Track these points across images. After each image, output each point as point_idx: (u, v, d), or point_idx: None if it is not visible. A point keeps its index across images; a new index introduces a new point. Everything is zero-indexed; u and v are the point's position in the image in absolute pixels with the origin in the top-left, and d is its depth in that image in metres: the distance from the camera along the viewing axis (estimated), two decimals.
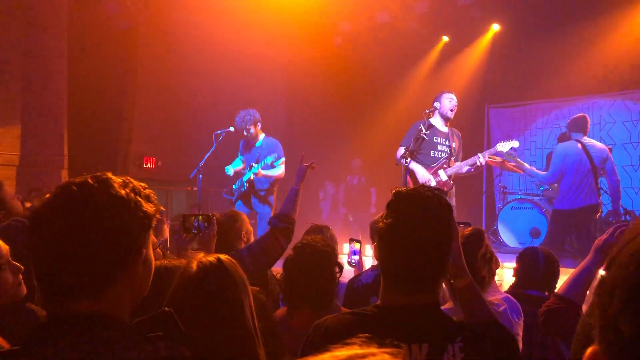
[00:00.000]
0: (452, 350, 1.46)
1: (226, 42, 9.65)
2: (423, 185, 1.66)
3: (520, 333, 2.60)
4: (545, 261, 3.19)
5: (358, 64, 10.16)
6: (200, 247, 2.99)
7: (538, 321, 2.23)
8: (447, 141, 5.77)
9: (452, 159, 5.78)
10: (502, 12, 9.15)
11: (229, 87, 9.48)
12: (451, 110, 5.75)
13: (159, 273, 1.96)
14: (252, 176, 6.26)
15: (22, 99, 7.36)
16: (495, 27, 9.49)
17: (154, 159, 9.00)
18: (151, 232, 1.21)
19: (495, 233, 7.97)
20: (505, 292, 3.39)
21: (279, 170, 6.29)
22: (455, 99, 5.81)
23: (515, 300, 2.67)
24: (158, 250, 3.21)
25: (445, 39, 10.00)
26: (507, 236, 7.56)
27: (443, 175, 5.66)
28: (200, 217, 3.02)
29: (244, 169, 6.55)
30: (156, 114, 9.17)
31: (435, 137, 5.72)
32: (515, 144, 6.06)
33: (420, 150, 5.64)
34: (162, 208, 1.26)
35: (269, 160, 6.11)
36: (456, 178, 5.92)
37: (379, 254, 1.59)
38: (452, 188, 5.76)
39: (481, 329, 1.56)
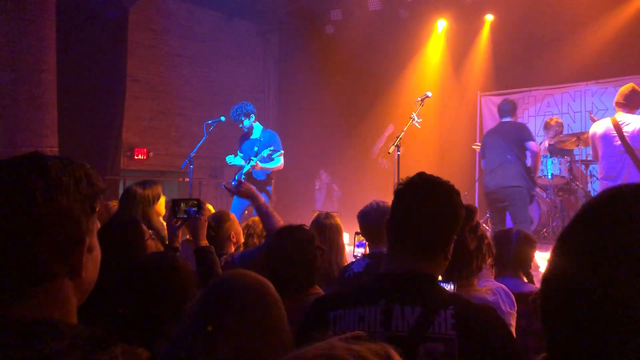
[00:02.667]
0: (444, 315, 1.49)
1: (216, 31, 9.60)
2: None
3: (513, 323, 2.57)
4: (518, 240, 3.15)
5: (350, 52, 10.11)
6: (191, 233, 2.95)
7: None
8: None
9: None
10: (494, 0, 9.13)
11: (220, 77, 9.44)
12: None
13: (162, 271, 1.95)
14: (250, 168, 6.26)
15: (11, 91, 7.28)
16: (490, 18, 9.47)
17: (145, 150, 8.96)
18: (95, 217, 1.07)
19: (488, 221, 7.98)
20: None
21: (277, 163, 6.30)
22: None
23: (508, 290, 2.64)
24: (150, 241, 3.18)
25: (437, 27, 9.96)
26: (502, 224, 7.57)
27: None
28: (190, 202, 2.96)
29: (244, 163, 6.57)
30: (147, 105, 9.12)
31: None
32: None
33: None
34: (103, 188, 1.09)
35: (265, 153, 6.10)
36: (444, 161, 6.14)
37: (389, 217, 1.69)
38: None
39: (475, 306, 1.59)
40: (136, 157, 8.92)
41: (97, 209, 1.06)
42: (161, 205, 3.52)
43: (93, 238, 1.06)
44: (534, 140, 6.19)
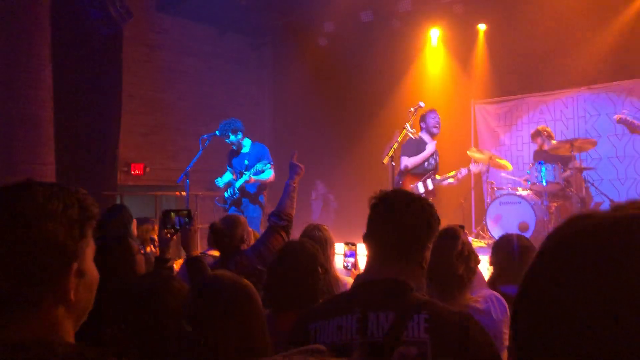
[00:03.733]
0: (418, 319, 1.54)
1: (210, 46, 9.66)
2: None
3: (506, 331, 2.58)
4: (520, 249, 3.17)
5: (344, 63, 10.18)
6: (182, 244, 2.96)
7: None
8: (435, 155, 6.47)
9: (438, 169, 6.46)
10: (486, 9, 9.23)
11: (214, 91, 9.49)
12: (435, 128, 6.44)
13: (156, 293, 1.95)
14: (243, 184, 6.33)
15: (6, 108, 7.31)
16: (482, 27, 9.57)
17: (142, 165, 8.98)
18: (89, 241, 1.08)
19: (485, 229, 8.01)
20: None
21: (268, 175, 6.34)
22: (437, 117, 6.50)
23: (500, 297, 2.65)
24: (140, 256, 3.19)
25: (430, 36, 10.05)
26: (496, 231, 7.60)
27: (430, 185, 6.32)
28: (180, 212, 2.97)
29: (235, 178, 6.62)
30: (142, 120, 9.15)
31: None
32: (484, 168, 7.06)
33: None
34: (96, 213, 1.10)
35: (259, 167, 6.17)
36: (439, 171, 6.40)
37: (367, 227, 1.77)
38: (434, 197, 6.23)
39: (449, 311, 1.62)
40: (133, 172, 8.95)
41: (89, 234, 1.07)
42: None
43: (84, 263, 1.06)
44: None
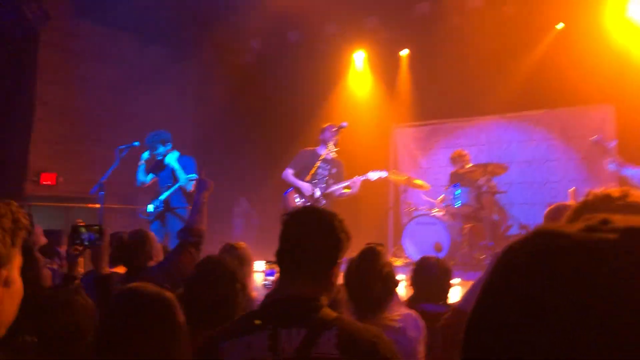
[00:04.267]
0: (328, 335, 1.56)
1: (132, 56, 9.42)
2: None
3: (421, 349, 2.65)
4: (439, 271, 3.32)
5: (269, 82, 10.21)
6: (92, 261, 2.84)
7: (436, 336, 2.31)
8: (328, 166, 6.73)
9: (330, 181, 6.72)
10: (409, 36, 9.55)
11: (134, 102, 9.23)
12: (332, 141, 6.70)
13: (56, 309, 1.86)
14: (168, 197, 6.22)
15: None
16: (404, 52, 9.89)
17: (54, 175, 8.57)
18: (17, 251, 1.10)
19: (401, 248, 8.20)
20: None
21: (188, 187, 6.27)
22: (335, 133, 6.72)
23: (417, 317, 2.72)
24: (46, 270, 3.04)
25: (354, 60, 10.26)
26: (412, 251, 7.80)
27: (317, 192, 6.65)
28: (91, 228, 2.85)
29: (158, 187, 6.48)
30: (57, 129, 8.76)
31: (321, 164, 6.71)
32: (383, 174, 6.92)
33: (303, 173, 6.70)
34: (26, 224, 1.14)
35: (184, 182, 6.10)
36: (358, 196, 6.56)
37: (278, 245, 1.76)
38: (324, 206, 6.38)
39: (358, 327, 1.66)
40: (43, 183, 8.51)
41: (18, 244, 1.09)
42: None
43: (12, 272, 1.08)
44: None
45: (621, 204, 1.63)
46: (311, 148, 6.72)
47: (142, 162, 6.54)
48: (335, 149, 6.17)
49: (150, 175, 6.57)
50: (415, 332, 2.64)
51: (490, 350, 0.59)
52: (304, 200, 6.61)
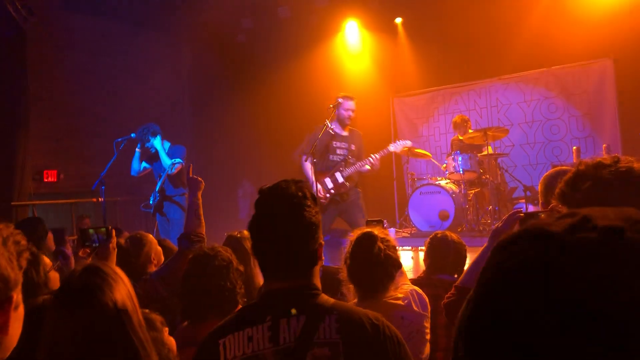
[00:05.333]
0: (328, 321, 1.56)
1: (124, 45, 9.33)
2: (286, 180, 1.71)
3: (427, 325, 2.66)
4: (454, 247, 3.36)
5: (263, 61, 10.12)
6: (100, 261, 2.84)
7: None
8: (346, 144, 6.33)
9: (350, 160, 6.29)
10: (402, 3, 9.41)
11: (130, 93, 9.17)
12: (348, 117, 6.32)
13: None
14: (162, 185, 6.23)
15: None
16: (398, 20, 9.77)
17: (55, 171, 8.57)
18: (21, 274, 1.11)
19: (408, 219, 8.21)
20: (418, 277, 3.51)
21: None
22: (349, 105, 6.32)
23: (421, 293, 2.72)
24: (54, 273, 3.05)
25: (346, 32, 10.13)
26: (418, 221, 7.80)
27: (339, 177, 6.27)
28: (99, 230, 2.87)
29: (153, 176, 6.50)
30: (54, 124, 8.73)
31: (334, 142, 6.29)
32: (408, 143, 6.66)
33: (319, 154, 6.18)
34: (25, 244, 1.14)
35: (169, 162, 6.11)
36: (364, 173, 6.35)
37: (254, 240, 1.70)
38: (349, 189, 6.30)
39: (358, 311, 1.65)
40: (46, 180, 8.53)
41: (24, 266, 1.11)
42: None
43: (19, 295, 1.09)
44: None
45: (613, 171, 1.63)
46: (321, 125, 6.14)
47: (137, 150, 6.55)
48: (332, 126, 6.05)
49: (144, 164, 6.58)
50: (421, 307, 2.65)
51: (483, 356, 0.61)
52: (331, 186, 6.29)
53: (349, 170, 6.25)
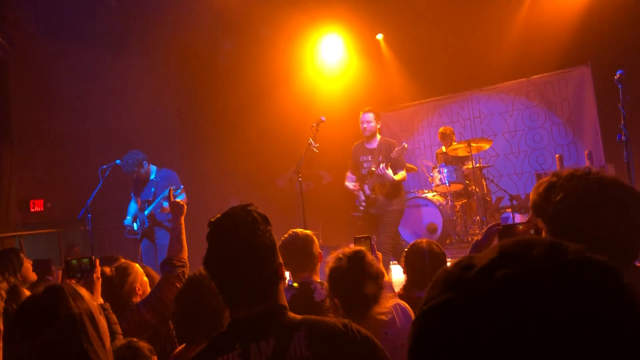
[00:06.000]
0: (297, 338, 1.56)
1: (106, 69, 9.33)
2: (234, 207, 1.71)
3: None
4: (431, 256, 3.31)
5: (245, 80, 10.15)
6: None
7: None
8: (371, 156, 6.26)
9: (375, 170, 6.12)
10: (381, 20, 9.52)
11: (114, 118, 9.15)
12: (364, 130, 6.28)
13: None
14: (152, 212, 6.20)
15: None
16: (380, 37, 9.87)
17: (41, 201, 8.52)
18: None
19: (397, 233, 8.23)
20: (397, 294, 3.50)
21: (181, 198, 6.22)
22: (363, 118, 6.30)
23: (405, 307, 2.73)
24: None
25: (328, 49, 10.21)
26: (406, 234, 7.83)
27: (366, 190, 6.22)
28: (82, 260, 2.85)
29: (142, 208, 6.46)
30: (39, 153, 8.70)
31: (361, 156, 6.33)
32: (404, 145, 6.39)
33: (354, 169, 6.39)
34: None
35: (166, 193, 6.03)
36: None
37: (211, 268, 1.68)
38: (378, 200, 6.17)
39: (326, 323, 1.64)
40: (32, 210, 8.47)
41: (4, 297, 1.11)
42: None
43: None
44: None
45: (584, 182, 1.66)
46: (360, 140, 6.31)
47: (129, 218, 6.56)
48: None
49: (136, 223, 6.56)
50: (405, 321, 2.65)
51: None
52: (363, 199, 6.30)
53: (372, 181, 6.17)
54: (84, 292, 1.60)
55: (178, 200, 3.40)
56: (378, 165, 6.01)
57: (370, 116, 6.27)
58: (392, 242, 6.09)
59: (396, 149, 6.04)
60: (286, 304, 1.68)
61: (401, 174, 6.06)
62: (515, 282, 0.61)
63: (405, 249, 3.43)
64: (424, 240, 3.43)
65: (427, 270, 3.24)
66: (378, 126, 6.30)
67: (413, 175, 9.40)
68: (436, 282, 0.69)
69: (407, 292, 3.25)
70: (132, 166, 6.25)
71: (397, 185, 6.14)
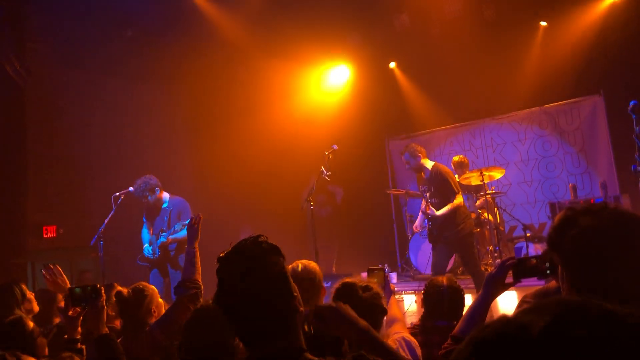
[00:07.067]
0: None
1: (122, 97, 9.46)
2: (244, 239, 1.65)
3: None
4: (447, 293, 3.33)
5: (259, 106, 10.20)
6: (90, 321, 2.79)
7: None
8: (425, 187, 6.28)
9: (431, 201, 6.14)
10: (394, 48, 9.59)
11: (127, 145, 9.25)
12: (409, 168, 6.34)
13: None
14: (165, 241, 6.24)
15: None
16: (392, 65, 9.93)
17: (54, 227, 8.56)
18: None
19: (409, 262, 8.17)
20: (415, 323, 3.49)
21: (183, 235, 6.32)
22: (404, 158, 6.31)
23: (410, 341, 2.72)
24: (41, 339, 3.01)
25: (342, 75, 10.26)
26: (419, 263, 7.77)
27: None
28: (86, 288, 2.83)
29: (152, 235, 6.50)
30: (52, 180, 8.77)
31: (420, 187, 6.52)
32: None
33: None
34: None
35: (177, 227, 6.08)
36: (360, 209, 6.33)
37: (227, 305, 1.62)
38: (438, 228, 6.12)
39: None
40: (45, 236, 8.50)
41: None
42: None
43: None
44: None
45: (600, 218, 1.63)
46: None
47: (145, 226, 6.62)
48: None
49: (145, 235, 6.62)
50: (411, 355, 2.63)
51: None
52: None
53: (429, 212, 6.09)
54: None
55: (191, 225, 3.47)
56: (427, 201, 6.05)
57: (405, 157, 6.29)
58: (472, 269, 6.03)
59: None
60: (302, 344, 1.61)
61: (446, 207, 5.96)
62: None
63: (426, 284, 3.46)
64: (445, 277, 3.48)
65: (444, 305, 3.28)
66: (418, 160, 6.19)
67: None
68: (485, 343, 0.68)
69: (423, 323, 3.34)
70: (144, 191, 6.30)
71: (448, 216, 6.01)
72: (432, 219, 6.10)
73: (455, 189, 6.02)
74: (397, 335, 2.66)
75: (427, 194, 6.16)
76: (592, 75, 8.07)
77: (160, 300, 3.39)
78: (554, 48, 8.35)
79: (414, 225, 7.36)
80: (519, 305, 2.35)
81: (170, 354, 2.96)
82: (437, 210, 6.03)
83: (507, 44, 8.71)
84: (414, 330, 3.24)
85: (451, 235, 6.03)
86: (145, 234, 6.66)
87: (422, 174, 6.32)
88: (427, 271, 7.54)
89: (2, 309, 3.36)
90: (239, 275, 1.57)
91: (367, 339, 1.73)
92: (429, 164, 6.21)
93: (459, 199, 6.00)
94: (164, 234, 6.22)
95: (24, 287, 3.76)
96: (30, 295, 3.80)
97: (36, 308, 3.83)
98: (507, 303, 5.49)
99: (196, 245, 3.33)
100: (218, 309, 2.45)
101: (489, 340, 0.68)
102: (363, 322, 1.83)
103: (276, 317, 1.57)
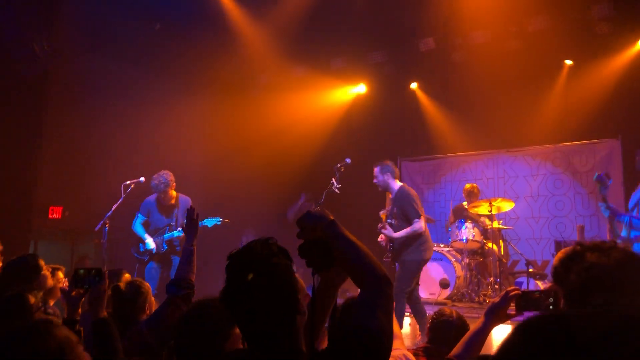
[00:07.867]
0: None
1: (142, 92, 9.53)
2: (255, 240, 1.66)
3: None
4: (457, 329, 3.31)
5: (274, 116, 10.27)
6: (90, 303, 2.77)
7: None
8: (390, 208, 6.21)
9: (391, 222, 6.09)
10: (415, 70, 9.62)
11: (144, 138, 9.30)
12: (374, 179, 6.18)
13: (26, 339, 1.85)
14: (173, 239, 6.29)
15: None
16: (413, 86, 9.96)
17: (60, 208, 8.60)
18: None
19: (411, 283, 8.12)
20: (420, 346, 3.48)
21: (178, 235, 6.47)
22: (376, 167, 6.20)
23: (411, 358, 2.72)
24: (40, 314, 3.02)
25: (360, 91, 10.32)
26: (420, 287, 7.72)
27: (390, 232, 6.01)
28: (90, 271, 2.82)
29: (162, 231, 6.54)
30: (64, 162, 8.82)
31: (388, 207, 6.33)
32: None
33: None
34: None
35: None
36: (365, 233, 6.23)
37: (231, 302, 1.62)
38: (393, 249, 6.11)
39: None
40: (50, 217, 8.54)
41: None
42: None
43: None
44: None
45: (607, 256, 1.63)
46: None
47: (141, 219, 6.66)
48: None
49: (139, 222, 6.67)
50: None
51: None
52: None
53: (385, 232, 6.06)
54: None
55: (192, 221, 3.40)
56: (385, 220, 5.99)
57: (375, 170, 6.19)
58: (404, 293, 5.95)
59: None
60: (302, 347, 1.61)
61: (404, 230, 5.86)
62: None
63: (432, 316, 3.44)
64: (454, 311, 3.46)
65: (451, 338, 3.27)
66: (387, 178, 6.09)
67: (430, 227, 9.32)
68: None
69: (429, 344, 3.32)
70: (164, 186, 6.34)
71: (405, 240, 5.94)
72: (391, 239, 6.08)
73: (417, 213, 5.90)
74: (397, 352, 2.65)
75: (390, 216, 6.11)
76: (611, 118, 8.05)
77: (152, 298, 3.37)
78: (577, 87, 8.34)
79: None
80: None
81: (157, 356, 2.94)
82: (395, 232, 5.96)
83: (530, 77, 8.72)
84: (417, 351, 3.23)
85: (406, 258, 5.96)
86: (139, 227, 6.67)
87: (389, 193, 6.25)
88: (425, 296, 7.50)
89: (11, 282, 3.35)
90: (246, 274, 1.58)
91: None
92: (396, 185, 6.12)
93: (419, 224, 5.87)
94: (175, 231, 6.27)
95: (41, 261, 3.70)
96: (46, 270, 3.76)
97: (50, 282, 3.81)
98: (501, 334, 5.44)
99: (194, 243, 3.24)
100: (210, 309, 2.46)
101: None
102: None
103: (278, 318, 1.58)
